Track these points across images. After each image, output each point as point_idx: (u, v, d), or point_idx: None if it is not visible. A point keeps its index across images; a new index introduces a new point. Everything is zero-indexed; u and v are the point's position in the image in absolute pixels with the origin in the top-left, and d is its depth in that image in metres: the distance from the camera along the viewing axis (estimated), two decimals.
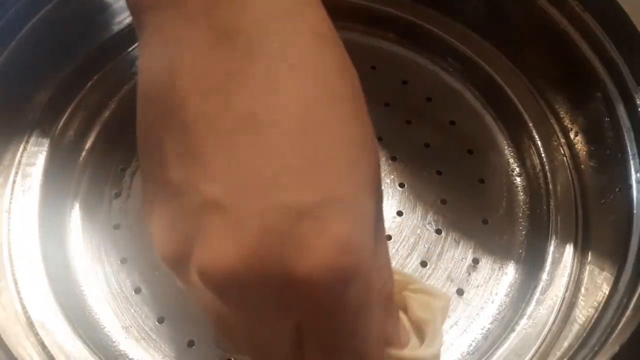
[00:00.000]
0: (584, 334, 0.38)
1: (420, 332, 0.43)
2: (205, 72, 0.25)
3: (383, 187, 0.52)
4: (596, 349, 0.36)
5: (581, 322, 0.42)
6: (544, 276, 0.47)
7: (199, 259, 0.25)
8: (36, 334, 0.43)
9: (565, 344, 0.41)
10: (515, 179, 0.53)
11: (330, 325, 0.26)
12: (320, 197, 0.24)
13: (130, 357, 0.44)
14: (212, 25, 0.26)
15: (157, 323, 0.46)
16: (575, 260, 0.47)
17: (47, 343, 0.42)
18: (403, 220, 0.51)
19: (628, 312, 0.36)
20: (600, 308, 0.39)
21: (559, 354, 0.41)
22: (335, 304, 0.25)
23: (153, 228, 0.28)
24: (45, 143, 0.51)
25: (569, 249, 0.48)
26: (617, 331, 0.36)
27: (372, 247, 0.26)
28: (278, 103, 0.25)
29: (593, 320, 0.39)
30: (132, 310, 0.46)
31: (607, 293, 0.40)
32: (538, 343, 0.44)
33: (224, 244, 0.24)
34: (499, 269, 0.48)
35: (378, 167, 0.28)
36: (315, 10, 0.28)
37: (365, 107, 0.28)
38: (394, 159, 0.54)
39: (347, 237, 0.24)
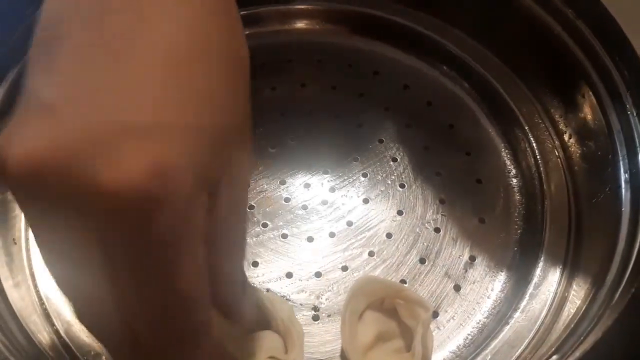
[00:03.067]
0: (573, 325, 0.40)
1: (407, 338, 0.45)
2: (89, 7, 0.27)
3: (384, 188, 0.54)
4: (582, 338, 0.38)
5: (571, 315, 0.43)
6: (538, 272, 0.49)
7: (7, 148, 0.24)
8: (52, 324, 0.45)
9: (556, 335, 0.43)
10: (511, 180, 0.55)
11: (135, 248, 0.25)
12: (152, 120, 0.24)
13: None
14: None
15: None
16: (568, 257, 0.49)
17: (62, 333, 0.45)
18: (403, 220, 0.53)
19: (613, 303, 0.38)
20: (588, 300, 0.41)
21: (549, 344, 0.43)
22: (140, 226, 0.24)
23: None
24: None
25: (562, 247, 0.50)
26: (602, 320, 0.37)
27: (197, 183, 0.26)
28: (142, 36, 0.26)
29: (581, 312, 0.41)
30: None
31: (595, 286, 0.42)
32: (531, 335, 0.45)
33: (37, 136, 0.24)
34: (495, 266, 0.50)
35: (243, 116, 0.29)
36: None
37: (242, 70, 0.30)
38: (394, 160, 0.56)
39: (165, 163, 0.24)
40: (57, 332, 0.44)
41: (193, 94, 0.26)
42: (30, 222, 0.27)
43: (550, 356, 0.37)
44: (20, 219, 0.50)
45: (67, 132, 0.24)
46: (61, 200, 0.24)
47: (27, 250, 0.48)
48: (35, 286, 0.47)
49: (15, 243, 0.48)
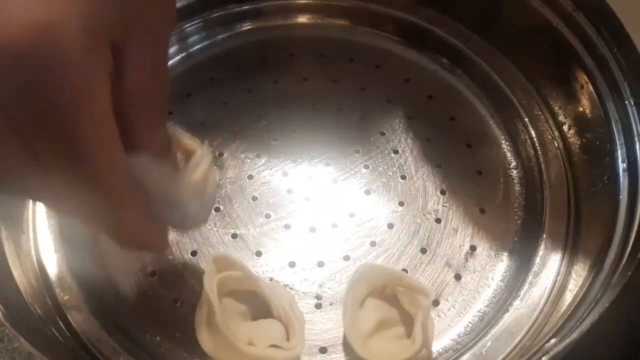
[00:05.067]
0: (572, 310, 0.41)
1: (407, 325, 0.46)
2: None
3: (386, 180, 0.55)
4: (579, 321, 0.38)
5: (569, 301, 0.44)
6: (537, 261, 0.49)
7: None
8: (61, 313, 0.46)
9: (554, 321, 0.44)
10: (512, 171, 0.55)
11: (31, 112, 0.25)
12: None
13: (146, 336, 0.47)
14: None
15: (172, 304, 0.48)
16: (567, 245, 0.50)
17: (72, 321, 0.45)
18: (404, 210, 0.53)
19: (610, 288, 0.38)
20: (587, 286, 0.41)
21: (547, 330, 0.43)
22: (31, 85, 0.24)
23: None
24: None
25: (561, 236, 0.51)
26: (599, 304, 0.38)
27: (91, 38, 0.25)
28: None
29: (580, 298, 0.41)
30: (149, 292, 0.49)
31: (594, 273, 0.42)
32: (530, 322, 0.46)
33: None
34: (495, 256, 0.51)
35: None
36: None
37: None
38: (395, 152, 0.56)
39: (48, 19, 0.23)
40: (65, 319, 0.45)
41: None
42: None
43: (549, 340, 0.38)
44: (28, 208, 0.50)
45: None
46: None
47: (35, 240, 0.49)
48: (44, 275, 0.47)
49: (24, 232, 0.49)
